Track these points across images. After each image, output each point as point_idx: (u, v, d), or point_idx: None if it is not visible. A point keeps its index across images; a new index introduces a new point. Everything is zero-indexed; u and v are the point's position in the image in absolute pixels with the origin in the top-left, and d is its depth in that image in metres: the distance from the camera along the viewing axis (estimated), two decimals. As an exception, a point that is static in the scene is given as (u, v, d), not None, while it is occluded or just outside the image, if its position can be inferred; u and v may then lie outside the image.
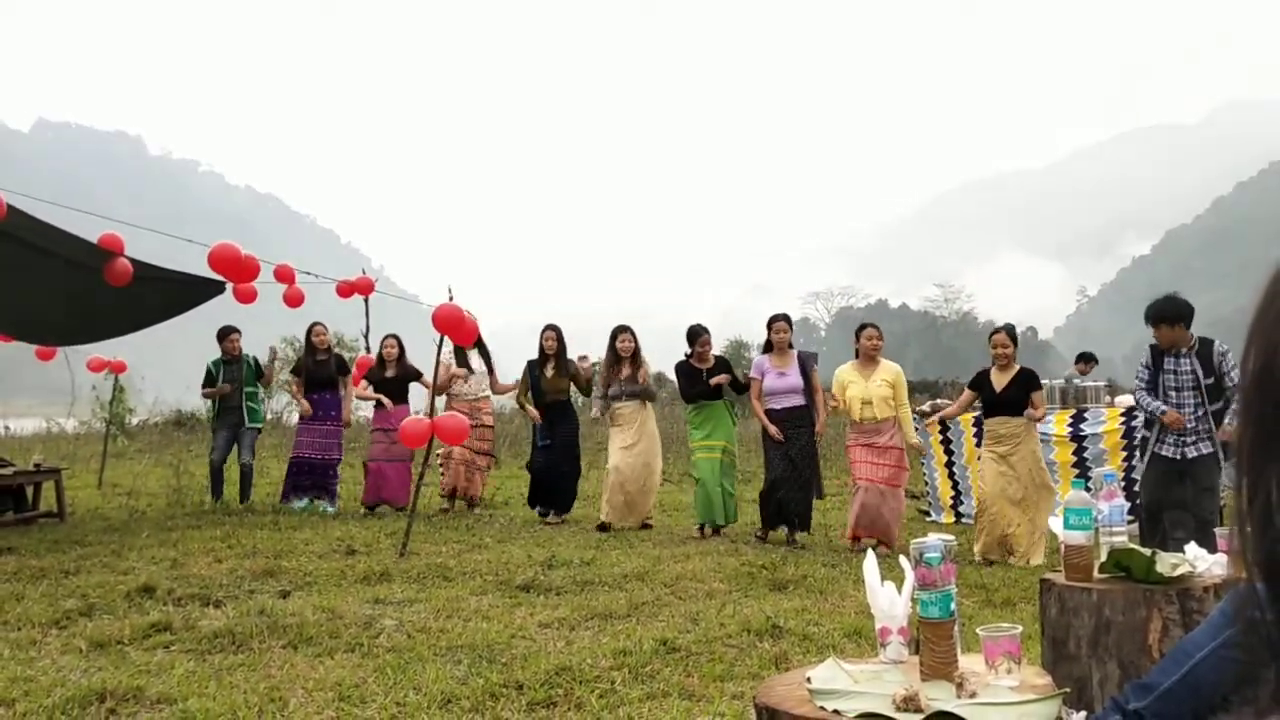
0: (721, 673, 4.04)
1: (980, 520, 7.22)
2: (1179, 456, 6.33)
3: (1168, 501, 6.39)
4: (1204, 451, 6.28)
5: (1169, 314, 6.29)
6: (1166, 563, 2.85)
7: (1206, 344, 6.32)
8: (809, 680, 2.12)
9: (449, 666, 4.15)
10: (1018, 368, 7.24)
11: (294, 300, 9.99)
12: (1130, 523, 3.84)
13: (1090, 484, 3.09)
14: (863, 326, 7.70)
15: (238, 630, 4.68)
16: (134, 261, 8.05)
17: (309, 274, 10.04)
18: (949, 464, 9.48)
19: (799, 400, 7.78)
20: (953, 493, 9.50)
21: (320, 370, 9.79)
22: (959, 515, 9.37)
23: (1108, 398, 8.77)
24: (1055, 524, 3.02)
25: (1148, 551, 2.90)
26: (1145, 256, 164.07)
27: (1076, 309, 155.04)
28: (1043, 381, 7.61)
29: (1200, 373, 6.27)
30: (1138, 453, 8.02)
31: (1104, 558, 2.96)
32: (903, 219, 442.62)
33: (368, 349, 10.25)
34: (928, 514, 9.57)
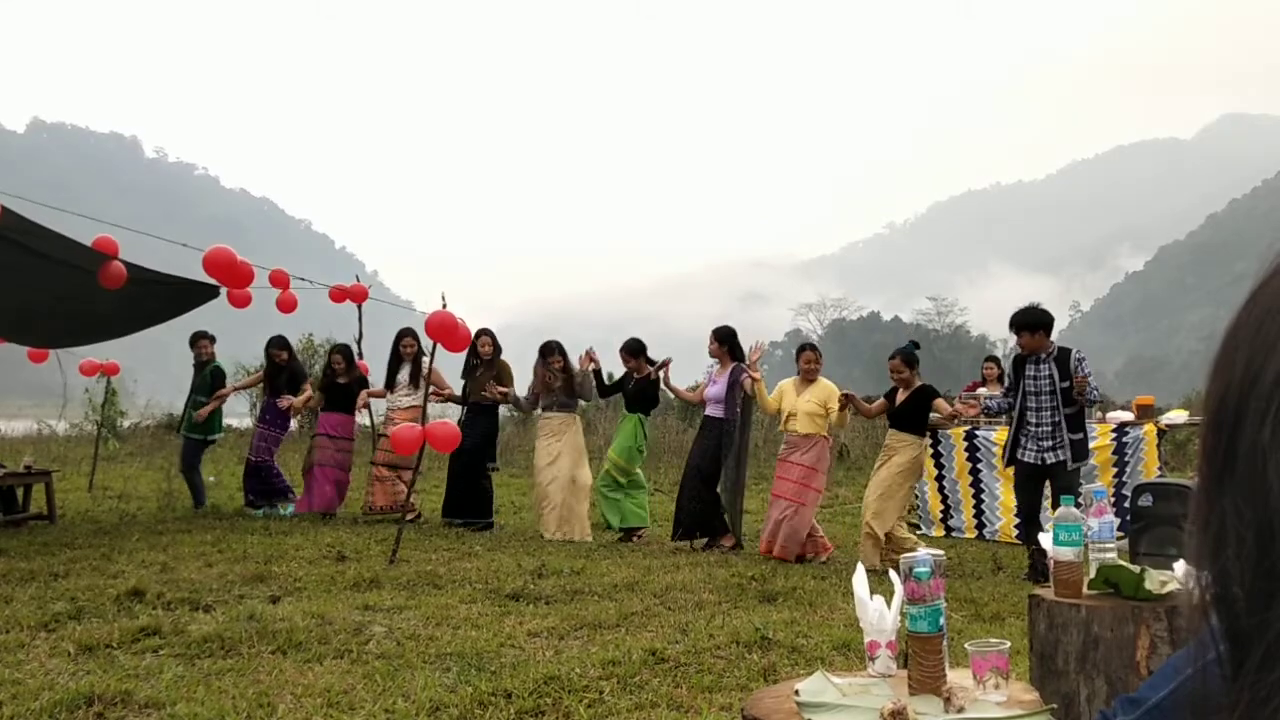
0: (710, 684, 4.05)
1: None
2: (1039, 462, 6.72)
3: (1038, 506, 6.83)
4: (1061, 458, 6.67)
5: (1028, 321, 6.80)
6: (1155, 579, 2.86)
7: (1065, 351, 6.79)
8: (797, 693, 2.13)
9: (438, 674, 4.16)
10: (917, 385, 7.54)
11: (288, 305, 10.00)
12: (1120, 539, 3.85)
13: (1080, 500, 3.10)
14: (802, 348, 8.05)
15: (227, 635, 4.68)
16: (128, 265, 8.04)
17: (303, 279, 10.03)
18: (939, 478, 9.50)
19: (716, 411, 8.21)
20: (942, 507, 9.52)
21: (275, 378, 9.97)
22: (949, 529, 9.39)
23: (1098, 414, 8.77)
24: (1045, 540, 3.03)
25: (1136, 568, 2.91)
26: (1138, 272, 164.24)
27: (1069, 323, 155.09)
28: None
29: (1057, 377, 6.68)
30: (1126, 467, 8.09)
31: (1093, 574, 2.97)
32: (897, 230, 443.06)
33: (360, 355, 10.26)
34: (918, 528, 9.57)
